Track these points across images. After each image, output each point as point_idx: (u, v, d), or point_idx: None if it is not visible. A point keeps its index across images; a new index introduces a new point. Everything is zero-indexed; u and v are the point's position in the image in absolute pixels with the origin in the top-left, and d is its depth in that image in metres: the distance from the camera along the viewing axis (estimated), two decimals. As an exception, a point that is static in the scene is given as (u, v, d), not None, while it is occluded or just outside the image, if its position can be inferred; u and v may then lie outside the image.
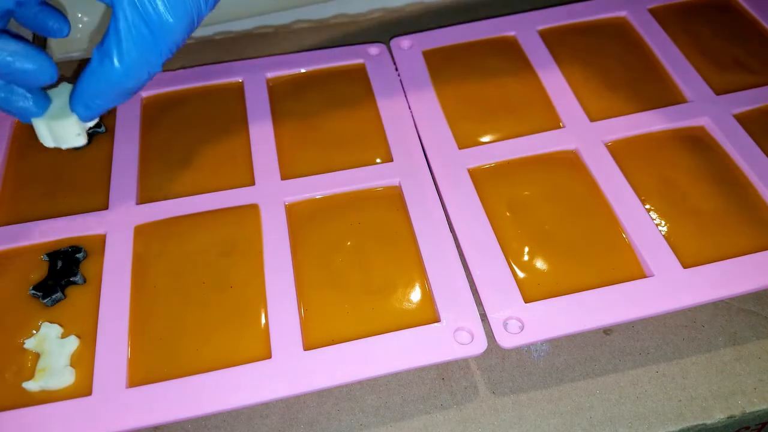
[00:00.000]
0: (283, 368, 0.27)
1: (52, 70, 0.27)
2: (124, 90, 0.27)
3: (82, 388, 0.27)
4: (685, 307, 0.29)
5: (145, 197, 0.33)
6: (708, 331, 0.30)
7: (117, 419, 0.26)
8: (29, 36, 0.39)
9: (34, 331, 0.28)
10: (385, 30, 0.43)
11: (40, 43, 0.38)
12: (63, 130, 0.29)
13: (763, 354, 0.29)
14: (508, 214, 0.32)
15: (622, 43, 0.40)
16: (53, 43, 0.42)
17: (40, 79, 0.27)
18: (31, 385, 0.27)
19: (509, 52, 0.40)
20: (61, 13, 0.30)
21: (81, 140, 0.29)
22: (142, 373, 0.27)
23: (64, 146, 0.29)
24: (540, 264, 0.30)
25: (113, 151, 0.35)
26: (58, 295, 0.29)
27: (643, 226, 0.31)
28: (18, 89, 0.28)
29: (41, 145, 0.29)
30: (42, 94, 0.29)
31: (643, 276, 0.30)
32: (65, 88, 0.30)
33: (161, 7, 0.26)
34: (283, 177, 0.34)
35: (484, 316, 0.29)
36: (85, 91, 0.27)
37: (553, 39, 0.40)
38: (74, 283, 0.30)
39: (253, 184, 0.33)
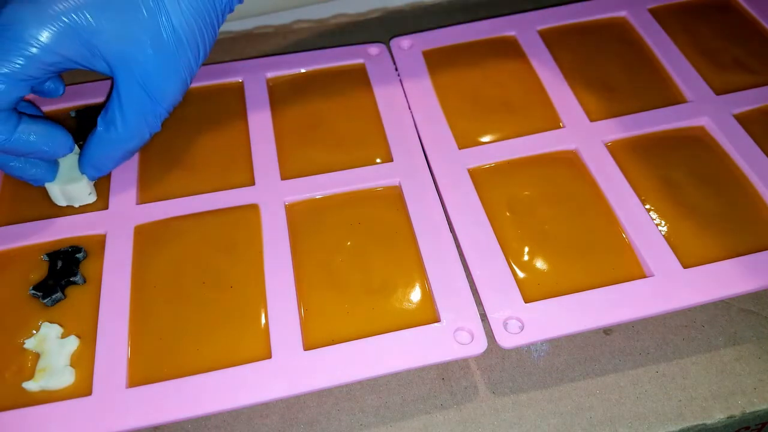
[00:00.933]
0: (283, 368, 0.27)
1: (70, 144, 0.30)
2: (129, 151, 0.31)
3: (82, 388, 0.27)
4: (685, 307, 0.29)
5: (145, 197, 0.33)
6: (708, 331, 0.30)
7: (117, 419, 0.26)
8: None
9: (34, 331, 0.28)
10: (385, 30, 0.44)
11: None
12: (76, 192, 0.32)
13: (763, 354, 0.29)
14: (508, 214, 0.32)
15: (622, 43, 0.40)
16: None
17: (59, 155, 0.30)
18: (31, 385, 0.27)
19: (509, 52, 0.40)
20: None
21: (93, 197, 0.33)
22: (142, 373, 0.27)
23: (77, 204, 0.33)
24: (540, 264, 0.30)
25: (113, 151, 0.35)
26: (58, 295, 0.29)
27: (643, 226, 0.31)
28: (31, 160, 0.30)
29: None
30: (52, 161, 0.31)
31: (643, 276, 0.30)
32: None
33: (159, 78, 0.29)
34: (283, 177, 0.34)
35: (484, 316, 0.29)
36: (94, 155, 0.30)
37: (553, 39, 0.40)
38: (74, 283, 0.30)
39: (253, 184, 0.33)
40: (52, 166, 0.31)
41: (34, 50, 0.26)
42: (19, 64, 0.26)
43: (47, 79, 0.29)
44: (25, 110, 0.31)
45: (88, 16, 0.27)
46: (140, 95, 0.29)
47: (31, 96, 0.36)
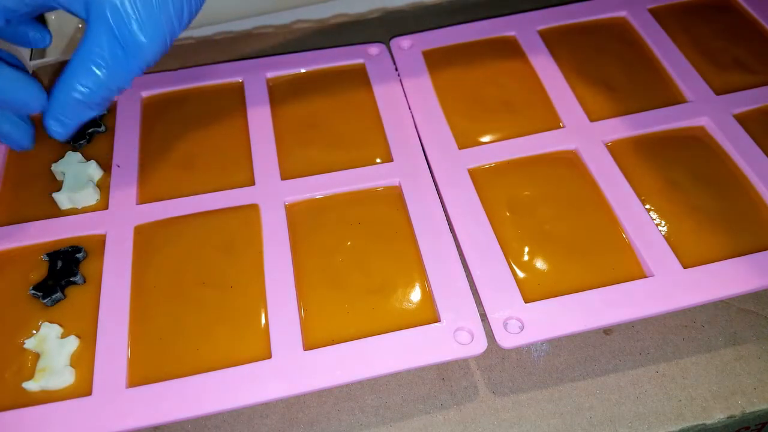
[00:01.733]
0: (283, 368, 0.27)
1: (42, 98, 0.28)
2: (94, 104, 0.28)
3: (82, 388, 0.27)
4: (685, 307, 0.29)
5: (145, 197, 0.33)
6: (708, 331, 0.30)
7: (117, 419, 0.26)
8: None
9: (34, 331, 0.28)
10: (385, 30, 0.43)
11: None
12: (83, 198, 0.33)
13: (763, 354, 0.29)
14: (508, 214, 0.32)
15: (622, 43, 0.40)
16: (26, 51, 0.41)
17: (30, 108, 0.28)
18: (31, 385, 0.27)
19: (509, 52, 0.40)
20: (40, 23, 0.31)
21: (96, 198, 0.33)
22: (142, 373, 0.27)
23: (80, 206, 0.33)
24: (540, 264, 0.30)
25: (113, 151, 0.35)
26: (58, 295, 0.29)
27: (643, 226, 0.31)
28: (9, 116, 0.29)
29: (41, 145, 0.30)
30: (29, 123, 0.30)
31: (643, 276, 0.30)
32: (73, 157, 0.34)
33: (135, 27, 0.26)
34: (283, 177, 0.34)
35: (484, 316, 0.29)
36: (57, 106, 0.27)
37: (553, 39, 0.40)
38: (74, 283, 0.30)
39: (253, 184, 0.33)
40: (28, 127, 0.29)
41: None
42: None
43: (24, 19, 0.27)
44: (7, 59, 0.29)
45: None
46: (113, 45, 0.26)
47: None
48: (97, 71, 0.27)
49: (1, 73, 0.27)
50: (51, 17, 0.41)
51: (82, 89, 0.27)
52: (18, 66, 0.29)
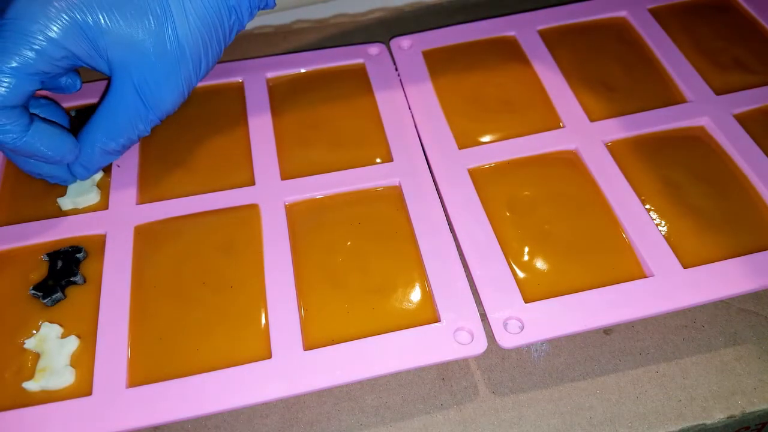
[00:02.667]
0: (283, 368, 0.27)
1: (76, 152, 0.30)
2: (116, 151, 0.31)
3: (82, 388, 0.27)
4: (685, 307, 0.29)
5: (145, 197, 0.33)
6: (708, 331, 0.30)
7: (117, 419, 0.26)
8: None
9: (34, 331, 0.28)
10: (385, 30, 0.44)
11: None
12: (86, 201, 0.33)
13: (763, 354, 0.29)
14: (508, 214, 0.32)
15: (622, 43, 0.40)
16: None
17: (64, 161, 0.30)
18: (31, 385, 0.27)
19: (509, 52, 0.40)
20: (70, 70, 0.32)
21: (96, 198, 0.33)
22: (142, 373, 0.27)
23: (80, 206, 0.33)
24: (540, 264, 0.30)
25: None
26: (58, 295, 0.29)
27: (643, 226, 0.31)
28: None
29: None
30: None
31: (643, 276, 0.30)
32: None
33: (156, 85, 0.29)
34: (283, 177, 0.34)
35: (484, 316, 0.29)
36: (83, 154, 0.31)
37: (553, 39, 0.40)
38: (74, 283, 0.30)
39: (253, 184, 0.33)
40: (64, 166, 0.31)
41: (42, 44, 0.26)
42: (28, 57, 0.26)
43: (58, 75, 0.29)
44: (43, 107, 0.31)
45: (95, 15, 0.27)
46: (134, 100, 0.29)
47: (49, 93, 0.36)
48: (121, 125, 0.30)
49: (39, 134, 0.28)
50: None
51: (106, 140, 0.30)
52: (49, 108, 0.32)
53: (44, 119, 0.29)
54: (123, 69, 0.28)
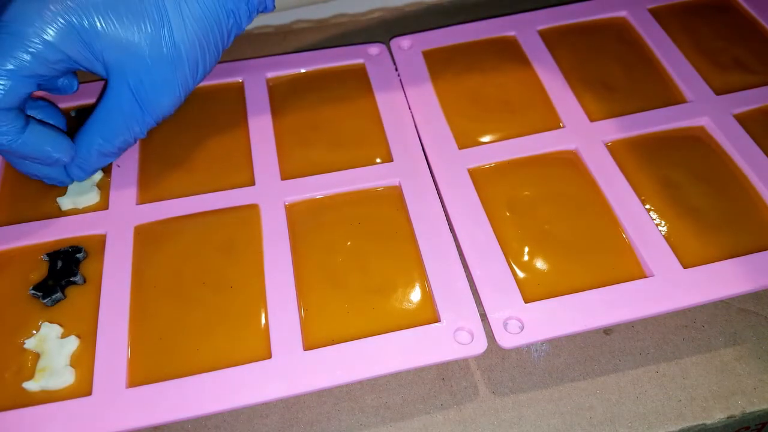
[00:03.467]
0: (283, 368, 0.27)
1: (72, 153, 0.30)
2: (112, 154, 0.31)
3: (82, 388, 0.27)
4: (685, 307, 0.29)
5: (145, 197, 0.33)
6: (708, 331, 0.30)
7: (117, 419, 0.26)
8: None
9: (34, 331, 0.28)
10: (385, 30, 0.44)
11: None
12: (86, 201, 0.33)
13: (763, 354, 0.29)
14: (508, 214, 0.32)
15: (622, 43, 0.40)
16: None
17: (60, 163, 0.30)
18: (31, 385, 0.27)
19: (509, 52, 0.40)
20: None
21: (96, 198, 0.33)
22: (142, 373, 0.27)
23: (80, 206, 0.33)
24: (540, 264, 0.30)
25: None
26: (58, 295, 0.29)
27: (643, 226, 0.31)
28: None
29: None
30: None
31: (643, 276, 0.30)
32: None
33: (152, 88, 0.29)
34: (283, 177, 0.34)
35: (484, 316, 0.29)
36: (79, 156, 0.31)
37: (553, 39, 0.40)
38: (74, 283, 0.30)
39: (253, 184, 0.33)
40: (61, 167, 0.31)
41: (38, 47, 0.26)
42: (23, 60, 0.26)
43: (54, 78, 0.29)
44: (40, 109, 0.31)
45: (91, 18, 0.27)
46: (130, 103, 0.29)
47: (46, 94, 0.36)
48: (117, 127, 0.30)
49: (35, 135, 0.28)
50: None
51: (102, 143, 0.30)
52: (46, 109, 0.32)
53: (40, 121, 0.29)
54: (119, 72, 0.28)
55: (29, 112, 0.31)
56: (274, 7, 0.32)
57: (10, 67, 0.26)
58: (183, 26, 0.28)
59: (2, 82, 0.26)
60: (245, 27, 0.31)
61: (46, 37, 0.26)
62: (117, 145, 0.31)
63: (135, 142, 0.31)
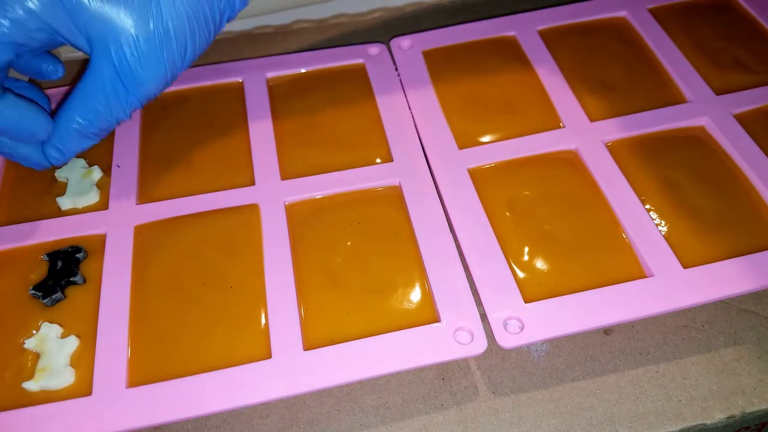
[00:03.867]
0: (283, 368, 0.27)
1: (49, 129, 0.29)
2: (93, 134, 0.29)
3: (82, 388, 0.27)
4: (685, 307, 0.29)
5: (145, 197, 0.33)
6: (708, 331, 0.30)
7: (117, 419, 0.26)
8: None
9: (34, 331, 0.28)
10: (385, 30, 0.44)
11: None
12: (86, 201, 0.33)
13: (763, 354, 0.29)
14: (508, 214, 0.32)
15: (622, 43, 0.40)
16: None
17: (39, 137, 0.29)
18: (31, 385, 0.27)
19: (509, 52, 0.40)
20: (52, 56, 0.32)
21: (96, 198, 0.33)
22: (142, 373, 0.27)
23: (80, 206, 0.33)
24: (540, 264, 0.30)
25: (113, 151, 0.35)
26: (58, 295, 0.29)
27: (643, 226, 0.31)
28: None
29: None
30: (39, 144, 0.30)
31: (643, 276, 0.30)
32: (77, 163, 0.34)
33: (136, 64, 0.27)
34: (283, 177, 0.34)
35: (484, 316, 0.29)
36: (57, 137, 0.29)
37: (553, 39, 0.40)
38: (74, 283, 0.30)
39: (253, 184, 0.33)
40: (38, 147, 0.30)
41: (18, 13, 0.25)
42: (2, 25, 0.25)
43: (34, 50, 0.28)
44: (24, 89, 0.31)
45: None
46: (113, 79, 0.28)
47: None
48: (98, 105, 0.28)
49: (10, 106, 0.27)
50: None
51: (81, 121, 0.28)
52: (30, 91, 0.31)
53: (18, 95, 0.28)
54: (102, 46, 0.27)
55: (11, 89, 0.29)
56: None
57: None
58: (172, 2, 0.27)
59: None
60: (238, 10, 0.30)
61: (27, 4, 0.25)
62: (97, 125, 0.29)
63: (117, 124, 0.30)
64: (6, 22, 0.25)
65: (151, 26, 0.27)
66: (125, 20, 0.27)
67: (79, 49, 0.28)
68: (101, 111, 0.28)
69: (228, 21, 0.30)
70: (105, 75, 0.27)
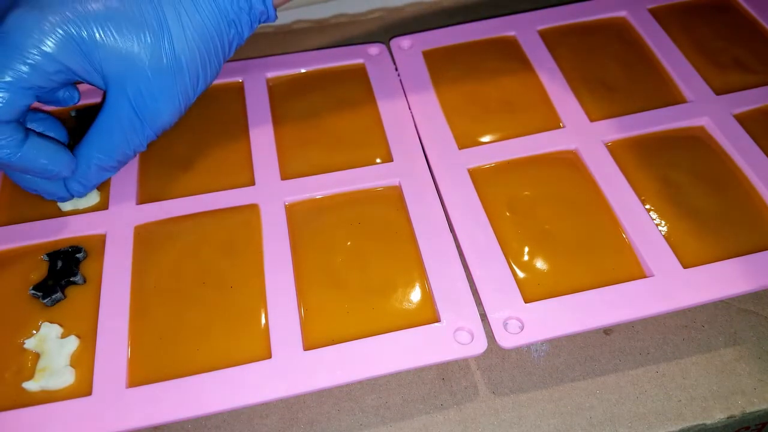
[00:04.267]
0: (283, 368, 0.27)
1: (73, 167, 0.30)
2: (111, 167, 0.31)
3: (82, 388, 0.27)
4: (685, 307, 0.29)
5: (145, 197, 0.33)
6: (708, 331, 0.30)
7: (117, 419, 0.26)
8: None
9: (34, 331, 0.28)
10: (385, 30, 0.44)
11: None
12: (86, 201, 0.33)
13: (763, 354, 0.29)
14: (508, 214, 0.32)
15: (622, 43, 0.40)
16: None
17: (61, 176, 0.30)
18: (31, 385, 0.27)
19: (509, 52, 0.40)
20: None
21: (96, 198, 0.33)
22: (142, 373, 0.27)
23: (80, 207, 0.33)
24: (540, 264, 0.30)
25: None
26: (58, 295, 0.29)
27: (643, 226, 0.31)
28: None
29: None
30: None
31: (643, 276, 0.30)
32: None
33: (152, 100, 0.28)
34: (283, 177, 0.34)
35: (484, 316, 0.29)
36: (78, 171, 0.30)
37: (553, 39, 0.40)
38: (74, 283, 0.30)
39: (253, 184, 0.33)
40: (61, 182, 0.31)
41: (36, 58, 0.26)
42: (22, 72, 0.26)
43: (54, 90, 0.29)
44: (40, 121, 0.31)
45: (90, 29, 0.27)
46: (129, 115, 0.29)
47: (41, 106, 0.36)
48: (116, 140, 0.29)
49: (35, 148, 0.28)
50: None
51: (101, 156, 0.30)
52: (47, 122, 0.31)
53: (40, 134, 0.29)
54: (118, 83, 0.28)
55: (29, 125, 0.30)
56: (276, 17, 0.31)
57: (9, 79, 0.26)
58: (183, 37, 0.28)
59: (0, 95, 0.26)
60: (247, 37, 0.31)
61: (44, 48, 0.26)
62: (116, 158, 0.30)
63: (134, 155, 0.31)
64: (26, 68, 0.26)
65: (164, 62, 0.28)
66: (139, 58, 0.28)
67: (95, 86, 0.29)
68: (119, 145, 0.30)
69: (237, 48, 0.31)
70: (122, 111, 0.29)
